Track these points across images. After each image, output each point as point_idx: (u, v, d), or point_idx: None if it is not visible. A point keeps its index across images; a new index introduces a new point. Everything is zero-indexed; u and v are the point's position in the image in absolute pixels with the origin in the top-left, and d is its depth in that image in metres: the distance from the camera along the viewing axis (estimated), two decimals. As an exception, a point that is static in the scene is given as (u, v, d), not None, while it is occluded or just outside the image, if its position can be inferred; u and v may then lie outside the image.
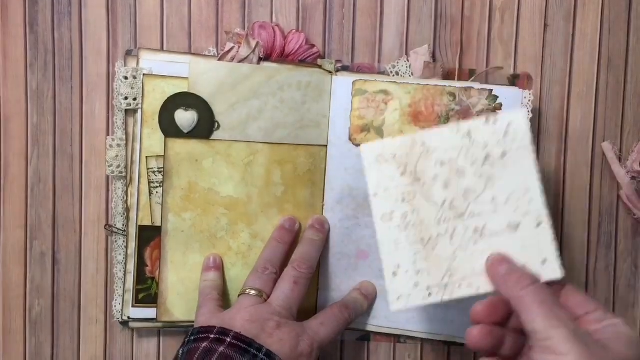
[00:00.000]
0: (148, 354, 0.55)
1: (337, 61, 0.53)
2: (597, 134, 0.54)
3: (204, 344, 0.42)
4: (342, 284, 0.53)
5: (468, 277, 0.41)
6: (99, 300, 0.55)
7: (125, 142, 0.52)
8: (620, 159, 0.54)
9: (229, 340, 0.42)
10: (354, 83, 0.51)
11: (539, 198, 0.41)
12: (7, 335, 0.55)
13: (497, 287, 0.40)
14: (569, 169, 0.54)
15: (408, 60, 0.53)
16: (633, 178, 0.54)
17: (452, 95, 0.51)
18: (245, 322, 0.44)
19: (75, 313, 0.55)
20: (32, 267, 0.55)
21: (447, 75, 0.53)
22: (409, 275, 0.42)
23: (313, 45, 0.53)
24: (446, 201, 0.42)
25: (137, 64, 0.51)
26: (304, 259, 0.49)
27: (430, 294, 0.42)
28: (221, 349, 0.42)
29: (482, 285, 0.41)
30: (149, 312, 0.53)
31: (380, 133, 0.51)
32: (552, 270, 0.40)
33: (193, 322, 0.49)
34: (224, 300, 0.50)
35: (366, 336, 0.54)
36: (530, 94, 0.51)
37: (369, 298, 0.52)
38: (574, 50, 0.54)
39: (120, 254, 0.53)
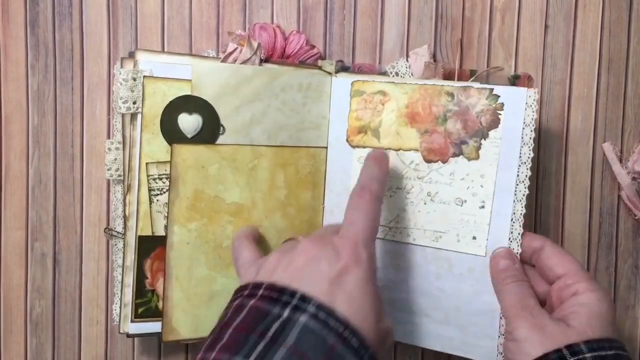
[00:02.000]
0: (149, 354, 0.55)
1: (339, 61, 0.53)
2: (597, 135, 0.54)
3: (237, 302, 0.39)
4: None
5: (409, 228, 0.49)
6: (99, 301, 0.55)
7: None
8: (620, 160, 0.54)
9: (260, 292, 0.38)
10: (352, 84, 0.51)
11: (490, 186, 0.47)
12: (8, 336, 0.55)
13: (491, 275, 0.47)
14: (569, 170, 0.54)
15: (408, 61, 0.53)
16: (634, 179, 0.54)
17: (451, 95, 0.48)
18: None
19: (76, 314, 0.55)
20: (33, 268, 0.55)
21: (448, 76, 0.53)
22: None
23: (313, 46, 0.53)
24: (413, 162, 0.49)
25: (137, 65, 0.50)
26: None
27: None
28: (251, 302, 0.38)
29: (417, 238, 0.49)
30: (149, 327, 0.51)
31: (376, 135, 0.50)
32: (478, 246, 0.48)
33: (201, 339, 0.49)
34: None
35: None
36: (535, 93, 0.46)
37: (380, 160, 0.46)
38: (574, 51, 0.54)
39: (120, 257, 0.53)
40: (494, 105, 0.47)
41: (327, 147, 0.52)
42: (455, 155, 0.48)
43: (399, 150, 0.49)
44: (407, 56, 0.53)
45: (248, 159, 0.50)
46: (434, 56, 0.53)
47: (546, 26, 0.54)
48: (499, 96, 0.47)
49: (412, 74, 0.52)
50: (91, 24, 0.54)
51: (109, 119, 0.54)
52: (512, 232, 0.47)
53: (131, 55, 0.50)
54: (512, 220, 0.47)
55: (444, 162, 0.48)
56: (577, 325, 0.41)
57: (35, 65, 0.54)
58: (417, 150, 0.49)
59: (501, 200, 0.47)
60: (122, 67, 0.50)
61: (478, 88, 0.48)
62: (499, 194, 0.47)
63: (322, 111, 0.52)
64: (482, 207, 0.47)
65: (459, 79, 0.52)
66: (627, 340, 0.55)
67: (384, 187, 0.44)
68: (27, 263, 0.55)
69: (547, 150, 0.54)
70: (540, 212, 0.54)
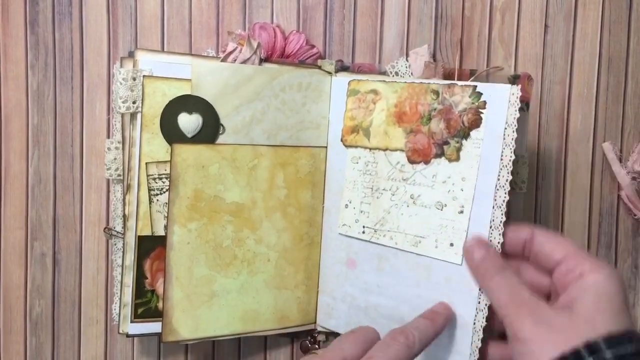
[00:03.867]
0: (149, 354, 0.55)
1: (338, 61, 0.53)
2: (597, 135, 0.54)
3: None
4: (335, 290, 0.51)
5: (392, 231, 0.47)
6: (99, 301, 0.55)
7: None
8: (620, 160, 0.54)
9: None
10: (349, 83, 0.50)
11: (470, 189, 0.44)
12: (7, 336, 0.55)
13: (470, 270, 0.42)
14: (569, 169, 0.54)
15: (407, 60, 0.53)
16: (633, 178, 0.54)
17: (436, 93, 0.45)
18: None
19: (76, 313, 0.55)
20: (33, 268, 0.55)
21: (448, 76, 0.52)
22: (355, 212, 0.50)
23: (313, 46, 0.53)
24: (399, 163, 0.47)
25: (137, 65, 0.49)
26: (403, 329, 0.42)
27: (363, 232, 0.49)
28: None
29: (399, 242, 0.47)
30: (149, 327, 0.50)
31: (367, 134, 0.49)
32: (455, 254, 0.44)
33: (201, 339, 0.49)
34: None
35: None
36: (518, 89, 0.42)
37: (435, 320, 0.43)
38: (574, 50, 0.54)
39: (119, 257, 0.52)
40: (476, 104, 0.44)
41: (326, 147, 0.52)
42: (437, 156, 0.45)
43: (386, 150, 0.48)
44: (407, 56, 0.53)
45: (248, 159, 0.50)
46: (433, 56, 0.53)
47: (546, 26, 0.54)
48: (481, 93, 0.44)
49: (411, 73, 0.52)
50: (91, 24, 0.54)
51: (109, 118, 0.54)
52: (490, 240, 0.43)
53: (131, 54, 0.50)
54: (490, 227, 0.42)
55: (427, 163, 0.46)
56: (583, 310, 0.37)
57: (35, 64, 0.54)
58: (402, 150, 0.47)
59: (480, 205, 0.43)
60: (121, 66, 0.49)
61: (462, 85, 0.45)
62: (478, 199, 0.43)
63: (322, 111, 0.52)
64: (461, 212, 0.44)
65: (459, 79, 0.52)
66: (626, 340, 0.55)
67: (424, 341, 0.41)
68: (27, 263, 0.55)
69: (547, 149, 0.54)
70: (540, 212, 0.54)
